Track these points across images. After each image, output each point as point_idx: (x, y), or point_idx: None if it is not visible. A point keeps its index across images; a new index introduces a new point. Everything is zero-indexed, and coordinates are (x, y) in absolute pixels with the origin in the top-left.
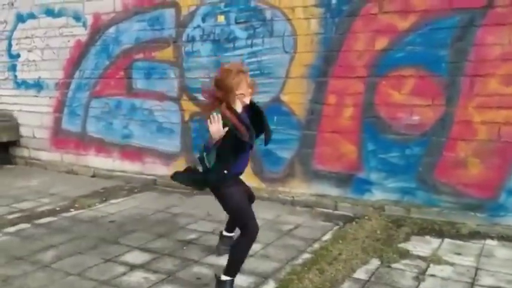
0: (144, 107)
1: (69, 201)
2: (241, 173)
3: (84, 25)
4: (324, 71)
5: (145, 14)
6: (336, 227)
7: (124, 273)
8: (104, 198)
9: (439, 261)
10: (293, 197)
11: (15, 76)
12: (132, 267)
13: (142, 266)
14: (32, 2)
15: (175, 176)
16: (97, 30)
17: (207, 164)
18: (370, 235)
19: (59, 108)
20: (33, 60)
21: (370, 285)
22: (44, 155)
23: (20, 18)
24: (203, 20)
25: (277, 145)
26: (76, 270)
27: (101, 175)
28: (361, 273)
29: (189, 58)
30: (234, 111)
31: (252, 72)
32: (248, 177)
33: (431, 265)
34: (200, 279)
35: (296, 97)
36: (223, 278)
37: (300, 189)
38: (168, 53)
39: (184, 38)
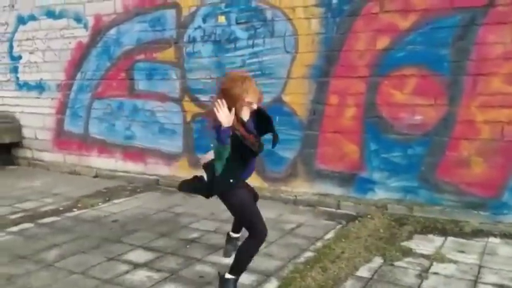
0: (146, 108)
1: (72, 201)
2: (246, 178)
3: (85, 27)
4: (325, 71)
5: (146, 15)
6: (339, 226)
7: (127, 272)
8: (107, 198)
9: (442, 259)
10: (295, 196)
11: (17, 78)
12: (135, 265)
13: (145, 265)
14: (32, 4)
15: (182, 186)
16: (98, 31)
17: (215, 172)
18: (373, 234)
19: (61, 109)
20: (35, 62)
21: (373, 283)
22: (47, 156)
23: (21, 20)
24: (204, 20)
25: (279, 145)
26: (79, 269)
27: (104, 175)
28: (364, 271)
29: (190, 59)
30: (241, 121)
31: (253, 73)
32: (250, 177)
33: (434, 263)
34: (203, 277)
35: (298, 97)
36: (228, 276)
37: (302, 188)
38: (169, 54)
39: (185, 38)
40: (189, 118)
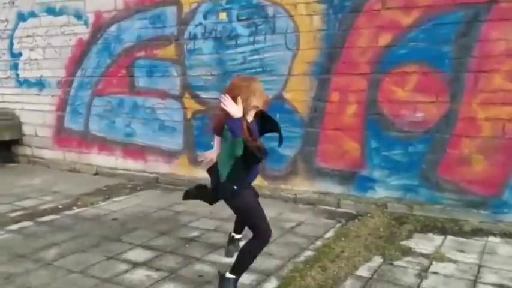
0: (147, 105)
1: (71, 199)
2: (251, 182)
3: (86, 23)
4: (326, 68)
5: (146, 12)
6: (339, 225)
7: (126, 271)
8: (107, 196)
9: (441, 258)
10: (295, 194)
11: (17, 75)
12: (135, 264)
13: (144, 264)
14: (32, 1)
15: (187, 194)
16: (98, 28)
17: (220, 178)
18: (373, 232)
19: (61, 106)
20: (35, 59)
21: (373, 283)
22: (47, 153)
23: (21, 17)
24: (205, 17)
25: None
26: (78, 268)
27: (104, 173)
28: (363, 271)
29: (191, 56)
30: (246, 124)
31: (254, 70)
32: None
33: (434, 262)
34: (202, 276)
35: (299, 94)
36: (228, 275)
37: (302, 186)
38: (170, 50)
39: (186, 35)
40: (189, 115)
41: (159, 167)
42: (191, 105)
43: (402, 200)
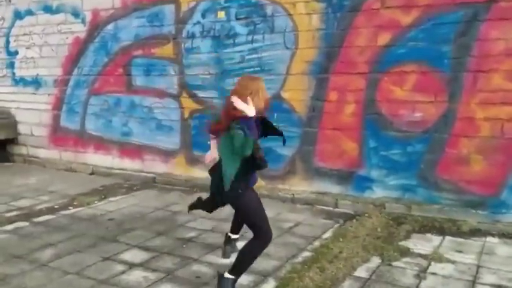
0: (144, 104)
1: (68, 199)
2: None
3: (83, 22)
4: (325, 68)
5: (144, 11)
6: (337, 225)
7: (123, 272)
8: (103, 196)
9: (440, 259)
10: (293, 194)
11: (13, 73)
12: (131, 265)
13: (141, 265)
14: None
15: (191, 207)
16: (96, 26)
17: (224, 186)
18: (371, 233)
19: (58, 105)
20: (32, 57)
21: (371, 284)
22: (43, 153)
23: (18, 15)
24: (203, 16)
25: (278, 142)
26: (74, 269)
27: (100, 173)
28: (361, 272)
29: (189, 55)
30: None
31: (252, 69)
32: None
33: (432, 263)
34: (200, 277)
35: (297, 94)
36: (227, 275)
37: (300, 186)
38: (167, 49)
39: (184, 34)
40: (186, 114)
41: (156, 166)
42: (189, 104)
43: (400, 200)
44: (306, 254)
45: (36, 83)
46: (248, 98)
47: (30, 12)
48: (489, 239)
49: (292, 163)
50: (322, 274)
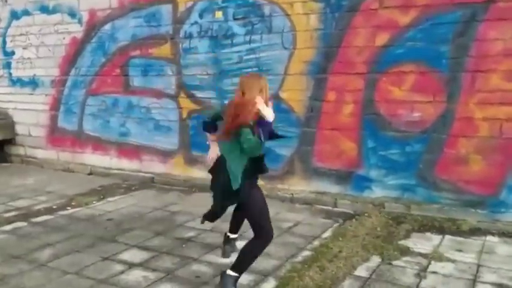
0: (141, 104)
1: (66, 200)
2: None
3: (80, 22)
4: (323, 68)
5: (141, 11)
6: (336, 224)
7: (122, 272)
8: (101, 196)
9: (440, 258)
10: (292, 194)
11: (10, 74)
12: (131, 265)
13: (140, 265)
14: None
15: (204, 218)
16: (93, 27)
17: (232, 186)
18: (371, 232)
19: (55, 106)
20: (28, 58)
21: (371, 283)
22: (40, 153)
23: (14, 15)
24: (200, 16)
25: (276, 142)
26: (73, 269)
27: (98, 173)
28: (362, 271)
29: (187, 55)
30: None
31: (250, 69)
32: None
33: (432, 262)
34: (199, 277)
35: (295, 94)
36: (229, 272)
37: (299, 186)
38: (165, 49)
39: (181, 34)
40: (185, 115)
41: (154, 166)
42: (187, 104)
43: (399, 200)
44: (306, 253)
45: (33, 83)
46: (259, 97)
47: (26, 13)
48: (489, 238)
49: (291, 163)
50: (322, 273)
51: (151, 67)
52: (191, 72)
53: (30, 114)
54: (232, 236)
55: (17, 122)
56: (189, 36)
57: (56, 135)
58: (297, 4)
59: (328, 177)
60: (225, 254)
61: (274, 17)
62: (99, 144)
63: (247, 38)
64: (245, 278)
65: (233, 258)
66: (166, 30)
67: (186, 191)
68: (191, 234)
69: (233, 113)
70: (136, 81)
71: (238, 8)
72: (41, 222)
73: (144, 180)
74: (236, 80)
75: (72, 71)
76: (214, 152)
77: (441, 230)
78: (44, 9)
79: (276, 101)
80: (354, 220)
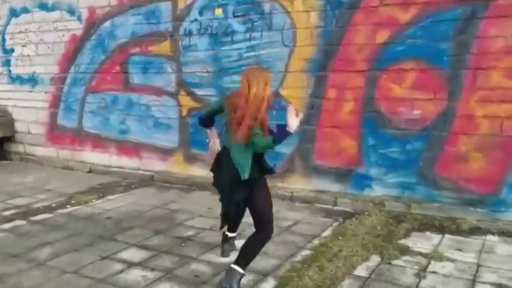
0: (141, 102)
1: (65, 198)
2: None
3: (79, 19)
4: (323, 65)
5: (141, 8)
6: (336, 223)
7: (121, 271)
8: (101, 194)
9: (440, 257)
10: (292, 192)
11: (10, 71)
12: (130, 264)
13: (139, 264)
14: None
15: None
16: (92, 24)
17: (241, 176)
18: (370, 231)
19: (55, 103)
20: (28, 55)
21: (371, 283)
22: (40, 151)
23: (13, 13)
24: (200, 13)
25: None
26: (72, 268)
27: (98, 171)
28: (361, 270)
29: (186, 52)
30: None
31: (250, 67)
32: None
33: (432, 262)
34: (198, 276)
35: (295, 91)
36: (234, 266)
37: (299, 184)
38: (165, 47)
39: (181, 31)
40: (184, 112)
41: (153, 164)
42: (186, 102)
43: (400, 198)
44: (305, 252)
45: (32, 80)
46: (300, 114)
47: (25, 10)
48: (489, 237)
49: (290, 161)
50: (321, 273)
51: (151, 64)
52: (191, 69)
53: (29, 111)
54: (230, 234)
55: (16, 119)
56: (189, 34)
57: (55, 133)
58: (297, 1)
59: (328, 175)
60: (224, 253)
61: (274, 14)
62: (98, 142)
63: (247, 35)
64: (244, 278)
65: (232, 257)
66: (166, 28)
67: (185, 189)
68: (190, 233)
69: (246, 105)
70: (136, 79)
71: (238, 5)
72: (40, 220)
73: (143, 178)
74: (236, 77)
75: (72, 69)
76: (216, 144)
77: (441, 229)
78: (43, 7)
79: (276, 99)
80: (353, 219)
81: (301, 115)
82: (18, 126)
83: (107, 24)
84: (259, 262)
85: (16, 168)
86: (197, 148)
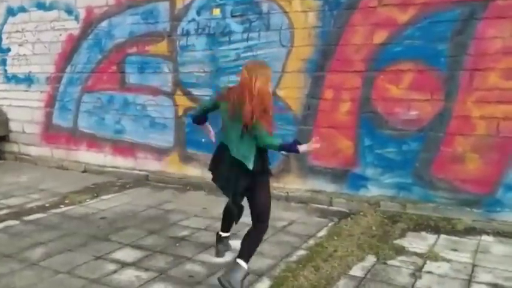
0: (137, 102)
1: (59, 197)
2: None
3: (76, 19)
4: (321, 65)
5: (138, 8)
6: (331, 223)
7: (115, 271)
8: (95, 194)
9: (435, 257)
10: (287, 192)
11: (5, 70)
12: (123, 265)
13: (133, 264)
14: None
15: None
16: (89, 24)
17: (248, 165)
18: (366, 231)
19: (50, 103)
20: (24, 55)
21: (366, 283)
22: (34, 150)
23: (11, 12)
24: (198, 13)
25: None
26: (65, 268)
27: (92, 171)
28: (357, 270)
29: (184, 52)
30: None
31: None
32: None
33: (427, 262)
34: (193, 277)
35: (292, 92)
36: (239, 260)
37: (294, 184)
38: (162, 47)
39: (178, 31)
40: (180, 112)
41: (149, 164)
42: (183, 102)
43: (395, 199)
44: (301, 252)
45: (28, 80)
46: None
47: (23, 9)
48: (484, 237)
49: (286, 161)
50: (317, 273)
51: (148, 64)
52: (188, 69)
53: (24, 111)
54: (224, 234)
55: (11, 118)
56: (186, 34)
57: (50, 133)
58: (295, 1)
59: (323, 175)
60: (218, 254)
61: (272, 14)
62: (93, 142)
63: (245, 35)
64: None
65: (227, 257)
66: (164, 28)
67: (180, 189)
68: (185, 233)
69: (251, 95)
70: (132, 79)
71: (236, 5)
72: (33, 220)
73: (138, 178)
74: (233, 77)
75: (68, 68)
76: (212, 132)
77: (436, 230)
78: (41, 6)
79: (273, 99)
80: (349, 219)
81: (314, 146)
82: (13, 126)
83: (104, 23)
84: (255, 262)
85: (10, 168)
86: (193, 148)
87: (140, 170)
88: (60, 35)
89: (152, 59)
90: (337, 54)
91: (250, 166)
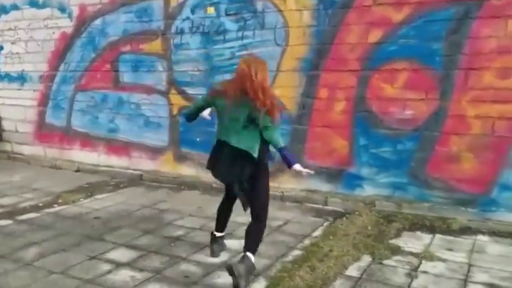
0: (131, 100)
1: (52, 197)
2: None
3: (70, 17)
4: (315, 64)
5: (132, 6)
6: (327, 223)
7: (109, 272)
8: (89, 194)
9: (431, 257)
10: (282, 192)
11: None
12: (118, 265)
13: (128, 264)
14: None
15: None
16: (83, 22)
17: (252, 154)
18: (361, 231)
19: (43, 101)
20: (17, 53)
21: (363, 283)
22: (27, 150)
23: (3, 10)
24: (192, 11)
25: None
26: (59, 268)
27: (86, 170)
28: (353, 270)
29: (178, 51)
30: None
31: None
32: None
33: (423, 261)
34: (188, 277)
35: (287, 91)
36: (248, 254)
37: (289, 184)
38: (156, 45)
39: (173, 30)
40: (175, 111)
41: (143, 163)
42: (177, 101)
43: (390, 198)
44: (296, 252)
45: (21, 78)
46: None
47: (15, 7)
48: (479, 237)
49: (281, 161)
50: (312, 273)
51: (142, 63)
52: (182, 68)
53: (17, 109)
54: (218, 234)
55: (3, 117)
56: (181, 32)
57: (43, 131)
58: (290, 0)
59: (318, 175)
60: (213, 254)
61: (267, 13)
62: (87, 141)
63: (240, 34)
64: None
65: (222, 257)
66: (158, 26)
67: (174, 189)
68: (180, 232)
69: (252, 83)
70: (126, 77)
71: (230, 3)
72: (27, 220)
73: (132, 178)
74: (228, 76)
75: (62, 67)
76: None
77: (432, 229)
78: (34, 4)
79: None
80: (344, 219)
81: (308, 171)
82: (6, 125)
83: (97, 21)
84: None
85: (3, 167)
86: (187, 147)
87: (134, 169)
88: (53, 33)
89: (146, 57)
90: (332, 53)
91: (255, 155)
